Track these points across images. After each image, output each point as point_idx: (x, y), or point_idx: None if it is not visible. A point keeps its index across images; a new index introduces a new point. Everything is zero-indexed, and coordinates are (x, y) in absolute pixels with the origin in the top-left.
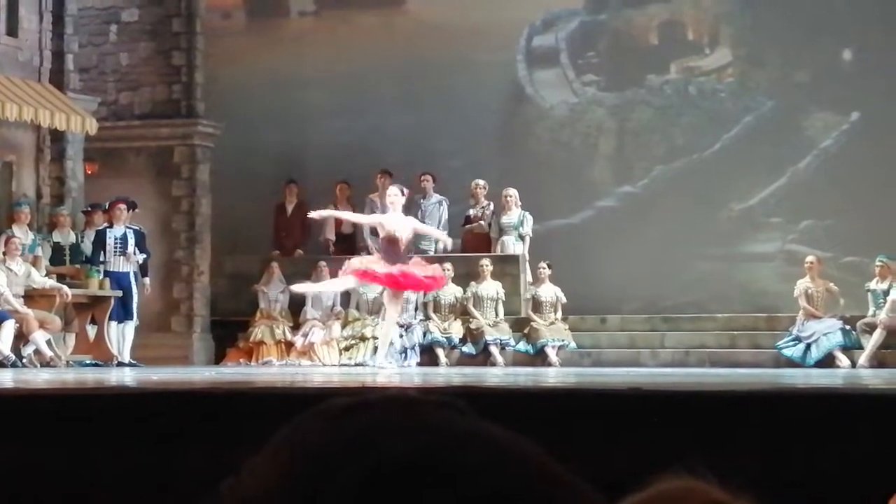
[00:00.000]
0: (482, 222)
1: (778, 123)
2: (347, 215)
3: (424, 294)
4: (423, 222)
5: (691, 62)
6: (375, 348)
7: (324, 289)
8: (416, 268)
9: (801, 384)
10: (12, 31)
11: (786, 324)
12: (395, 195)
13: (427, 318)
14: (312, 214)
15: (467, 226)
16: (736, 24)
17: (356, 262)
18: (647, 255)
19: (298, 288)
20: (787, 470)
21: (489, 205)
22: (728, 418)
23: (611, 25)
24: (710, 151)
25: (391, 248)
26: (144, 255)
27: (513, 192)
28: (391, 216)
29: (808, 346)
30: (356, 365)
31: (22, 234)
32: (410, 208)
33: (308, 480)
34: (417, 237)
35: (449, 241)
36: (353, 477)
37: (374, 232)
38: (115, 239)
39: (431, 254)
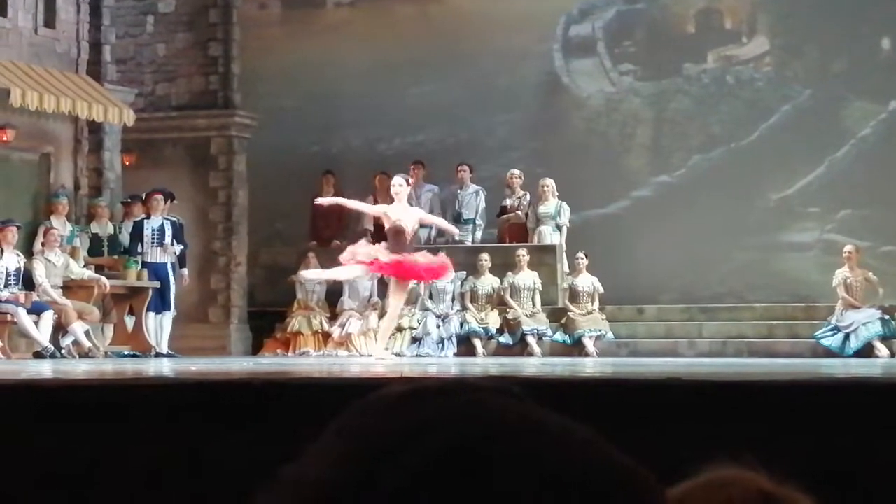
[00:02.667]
0: (518, 212)
1: (816, 113)
2: (354, 204)
3: (462, 284)
4: (461, 212)
5: (729, 51)
6: (413, 338)
7: (331, 276)
8: (421, 258)
9: (840, 374)
10: (50, 22)
11: (824, 314)
12: (399, 185)
13: (464, 308)
14: (319, 201)
15: (503, 216)
16: (773, 12)
17: (361, 249)
18: (684, 244)
19: (308, 274)
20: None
21: (525, 195)
22: (767, 408)
23: (648, 14)
24: (747, 141)
25: (396, 239)
26: (182, 247)
27: (550, 181)
28: (395, 206)
29: (847, 336)
30: (394, 355)
31: (60, 226)
32: (449, 198)
33: (366, 467)
34: (456, 227)
35: (455, 232)
36: (411, 463)
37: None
38: (153, 230)
39: (469, 244)
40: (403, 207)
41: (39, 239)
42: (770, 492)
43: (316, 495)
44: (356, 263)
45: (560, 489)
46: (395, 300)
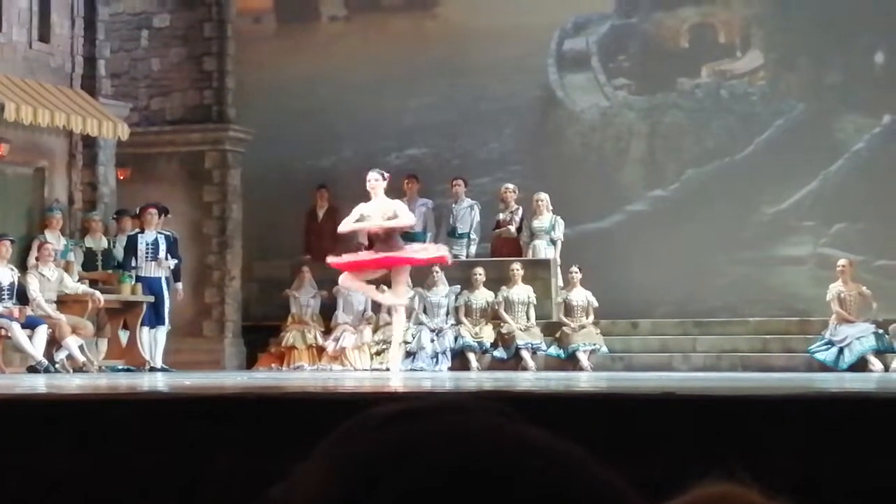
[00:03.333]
0: (510, 227)
1: (809, 126)
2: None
3: (456, 298)
4: (455, 227)
5: (723, 65)
6: (407, 353)
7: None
8: (409, 252)
9: (834, 388)
10: (44, 36)
11: (818, 328)
12: (375, 180)
13: (458, 322)
14: (342, 230)
15: (496, 230)
16: (767, 26)
17: (336, 260)
18: (678, 259)
19: (345, 282)
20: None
21: (518, 209)
22: (761, 423)
23: (641, 29)
24: (741, 155)
25: (377, 237)
26: (176, 261)
27: (544, 196)
28: (370, 203)
29: (841, 350)
30: (387, 369)
31: (54, 240)
32: (442, 213)
33: (355, 488)
34: (450, 242)
35: (406, 222)
36: (400, 484)
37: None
38: (147, 244)
39: (463, 258)
40: (378, 202)
41: (34, 253)
42: None
43: None
44: (343, 278)
45: None
46: (397, 291)
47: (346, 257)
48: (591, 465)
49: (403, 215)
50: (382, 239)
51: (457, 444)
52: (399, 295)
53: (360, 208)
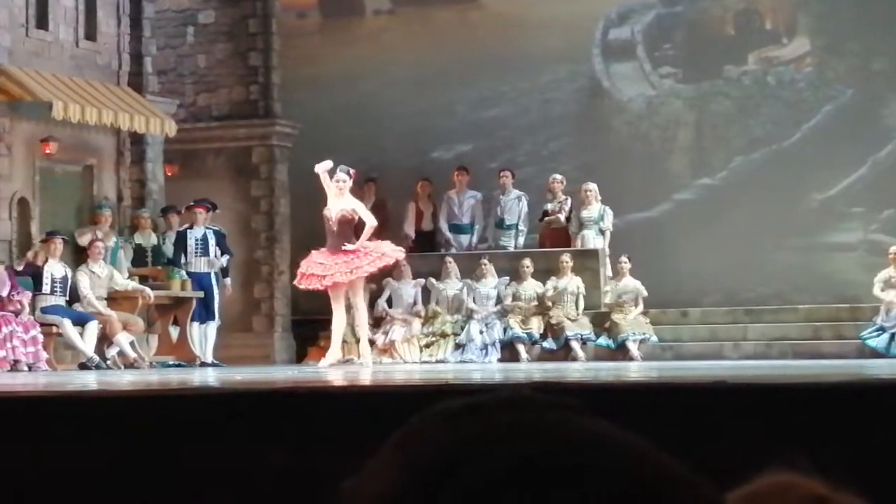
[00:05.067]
0: (559, 216)
1: (857, 112)
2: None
3: (504, 289)
4: (503, 218)
5: (769, 52)
6: (456, 345)
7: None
8: (353, 256)
9: (886, 375)
10: (91, 35)
11: (869, 314)
12: (343, 181)
13: (507, 313)
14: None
15: (545, 219)
16: (813, 12)
17: (301, 265)
18: (727, 247)
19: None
20: (875, 462)
21: (567, 199)
22: (814, 411)
23: (687, 17)
24: (789, 142)
25: (329, 233)
26: (228, 256)
27: (592, 186)
28: (334, 199)
29: (893, 336)
30: (437, 362)
31: (104, 237)
32: (491, 204)
33: (427, 482)
34: (498, 234)
35: (372, 226)
36: (470, 478)
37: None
38: (196, 240)
39: (511, 249)
40: (338, 200)
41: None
42: (826, 497)
43: None
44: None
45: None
46: (355, 297)
47: (301, 268)
48: (661, 457)
49: (366, 215)
50: (336, 236)
51: (526, 437)
52: (356, 297)
53: (329, 205)
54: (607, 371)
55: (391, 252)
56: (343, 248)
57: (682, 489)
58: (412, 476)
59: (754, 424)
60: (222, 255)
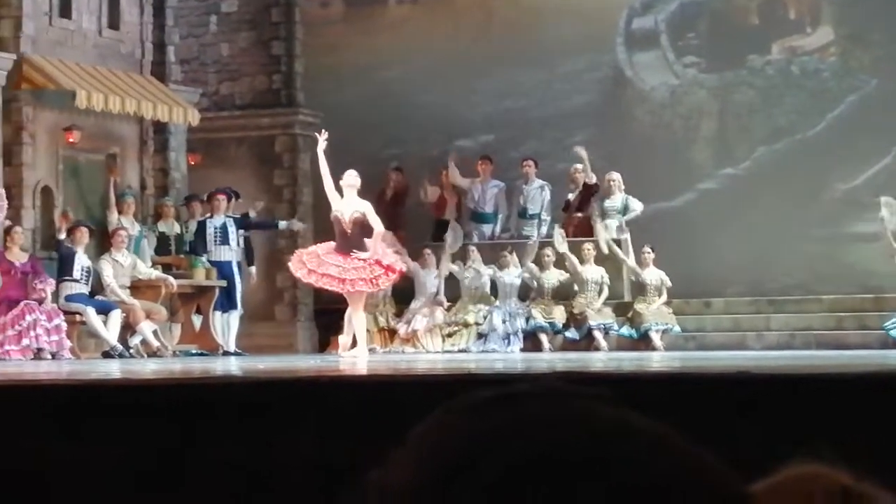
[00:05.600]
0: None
1: (882, 102)
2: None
3: (527, 276)
4: (526, 207)
5: (793, 41)
6: (479, 335)
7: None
8: (366, 264)
9: None
10: (114, 23)
11: (893, 304)
12: (355, 176)
13: (530, 303)
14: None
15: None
16: (838, 1)
17: (305, 259)
18: (750, 237)
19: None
20: None
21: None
22: (839, 401)
23: (711, 6)
24: (813, 132)
25: (341, 235)
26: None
27: (616, 175)
28: (343, 200)
29: None
30: (459, 351)
31: (129, 225)
32: (513, 193)
33: (451, 473)
34: (521, 223)
35: (380, 232)
36: (497, 469)
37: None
38: (215, 229)
39: (534, 240)
40: (348, 202)
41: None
42: (851, 488)
43: (401, 500)
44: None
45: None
46: (354, 303)
47: (309, 261)
48: (689, 448)
49: (374, 220)
50: (349, 237)
51: (552, 428)
52: (356, 310)
53: (335, 203)
54: (630, 361)
55: (400, 263)
56: (354, 253)
57: (709, 481)
58: (437, 466)
59: (778, 415)
60: (265, 227)
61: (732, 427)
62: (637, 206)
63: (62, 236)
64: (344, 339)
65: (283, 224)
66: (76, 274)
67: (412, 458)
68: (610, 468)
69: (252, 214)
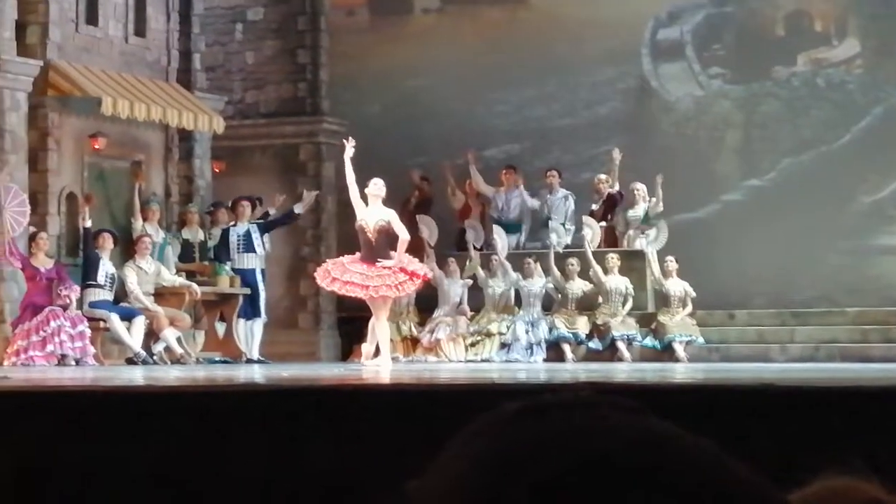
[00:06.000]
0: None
1: None
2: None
3: (551, 285)
4: (549, 217)
5: (819, 53)
6: (502, 344)
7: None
8: (391, 271)
9: None
10: (140, 31)
11: None
12: (379, 186)
13: (553, 313)
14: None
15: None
16: (864, 14)
17: (330, 268)
18: (775, 249)
19: None
20: None
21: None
22: (863, 414)
23: (737, 17)
24: (839, 144)
25: (366, 244)
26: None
27: (640, 186)
28: (368, 209)
29: None
30: (482, 361)
31: (153, 232)
32: (538, 209)
33: (490, 485)
34: (543, 231)
35: (406, 241)
36: (535, 480)
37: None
38: (238, 237)
39: (559, 249)
40: (375, 210)
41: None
42: (884, 501)
43: None
44: (331, 286)
45: None
46: (378, 310)
47: (333, 270)
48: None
49: (399, 228)
50: (373, 246)
51: (591, 439)
52: (378, 318)
53: (360, 211)
54: (653, 372)
55: (425, 269)
56: (379, 262)
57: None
58: (475, 478)
59: (802, 427)
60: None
61: (756, 439)
62: (662, 237)
63: (87, 224)
64: (367, 348)
65: (298, 208)
66: (101, 279)
67: (454, 467)
68: (656, 477)
69: (272, 212)
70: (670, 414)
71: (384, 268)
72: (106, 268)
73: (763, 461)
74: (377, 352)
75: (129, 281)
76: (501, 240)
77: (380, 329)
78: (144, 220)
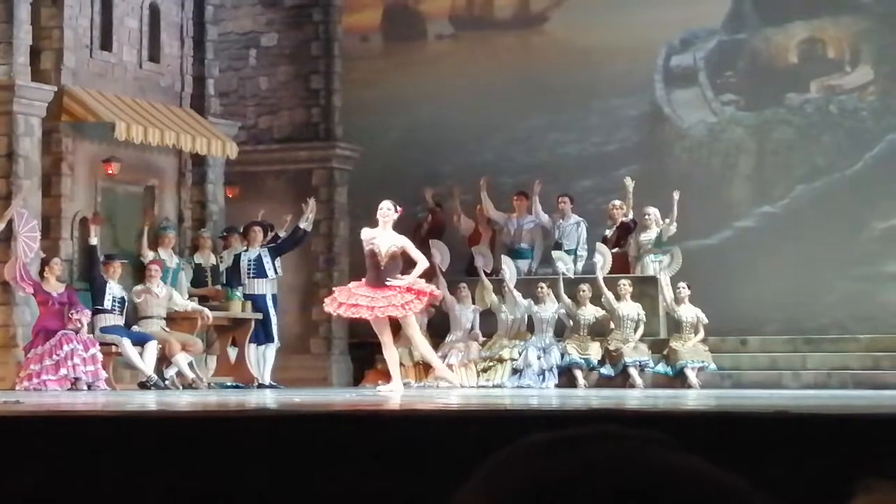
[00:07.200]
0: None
1: None
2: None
3: (563, 312)
4: (561, 243)
5: (832, 80)
6: (514, 370)
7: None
8: (397, 292)
9: None
10: (154, 56)
11: None
12: (388, 209)
13: (565, 339)
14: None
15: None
16: (877, 41)
17: (336, 294)
18: (787, 275)
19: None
20: None
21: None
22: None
23: (750, 44)
24: (851, 170)
25: (373, 267)
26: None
27: (653, 211)
28: (378, 233)
29: None
30: (494, 387)
31: (167, 258)
32: (550, 229)
33: None
34: (554, 260)
35: (423, 266)
36: None
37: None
38: (250, 262)
39: (570, 276)
40: (385, 234)
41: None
42: None
43: None
44: (337, 310)
45: None
46: (384, 334)
47: (342, 298)
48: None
49: (416, 254)
50: (381, 270)
51: (616, 472)
52: (385, 344)
53: (368, 234)
54: (666, 399)
55: (431, 287)
56: (387, 282)
57: None
58: None
59: (815, 455)
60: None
61: (769, 466)
62: (676, 264)
63: (94, 241)
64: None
65: (303, 223)
66: (108, 304)
67: (477, 500)
68: None
69: (282, 234)
70: (683, 440)
71: (390, 289)
72: (113, 292)
73: (776, 488)
74: (388, 377)
75: (140, 306)
76: (509, 269)
77: (388, 354)
78: (159, 246)
